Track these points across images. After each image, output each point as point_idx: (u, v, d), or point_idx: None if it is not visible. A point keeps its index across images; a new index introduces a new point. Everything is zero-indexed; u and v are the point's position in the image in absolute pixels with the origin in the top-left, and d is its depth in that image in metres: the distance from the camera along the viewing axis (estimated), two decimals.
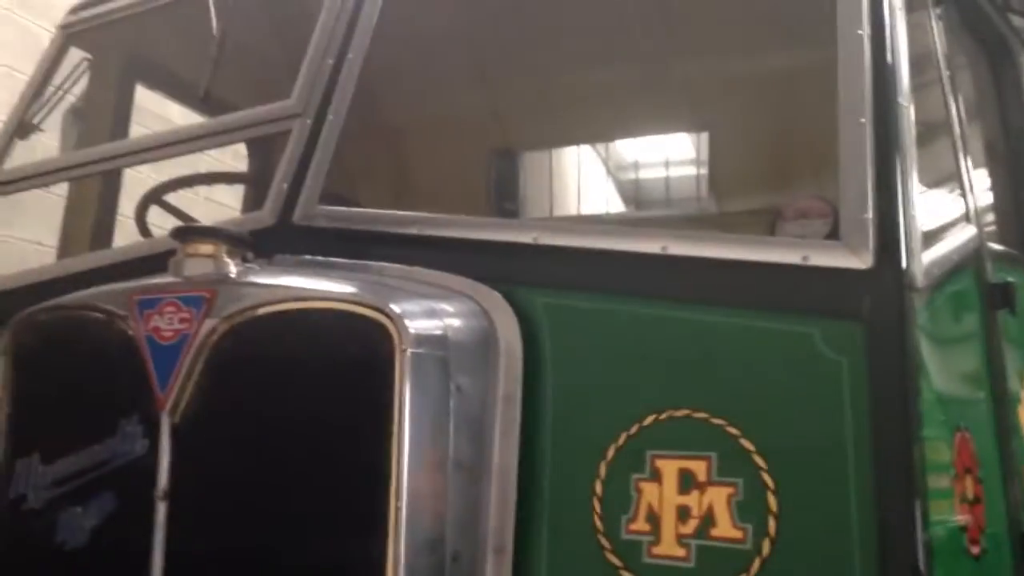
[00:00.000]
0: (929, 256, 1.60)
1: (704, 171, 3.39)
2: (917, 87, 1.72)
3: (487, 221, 2.05)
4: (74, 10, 2.73)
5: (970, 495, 1.61)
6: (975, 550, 1.61)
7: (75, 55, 2.72)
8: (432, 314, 1.65)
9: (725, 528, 1.50)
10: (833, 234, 1.59)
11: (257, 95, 2.24)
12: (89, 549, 1.73)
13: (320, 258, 1.89)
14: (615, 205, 6.07)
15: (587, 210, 4.97)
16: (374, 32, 2.11)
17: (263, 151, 3.15)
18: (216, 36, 2.35)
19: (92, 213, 2.91)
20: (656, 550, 1.54)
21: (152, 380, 1.70)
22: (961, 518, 1.58)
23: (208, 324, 1.68)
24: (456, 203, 3.46)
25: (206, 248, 1.74)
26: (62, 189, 2.90)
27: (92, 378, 1.82)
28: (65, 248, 2.89)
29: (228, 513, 1.66)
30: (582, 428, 1.64)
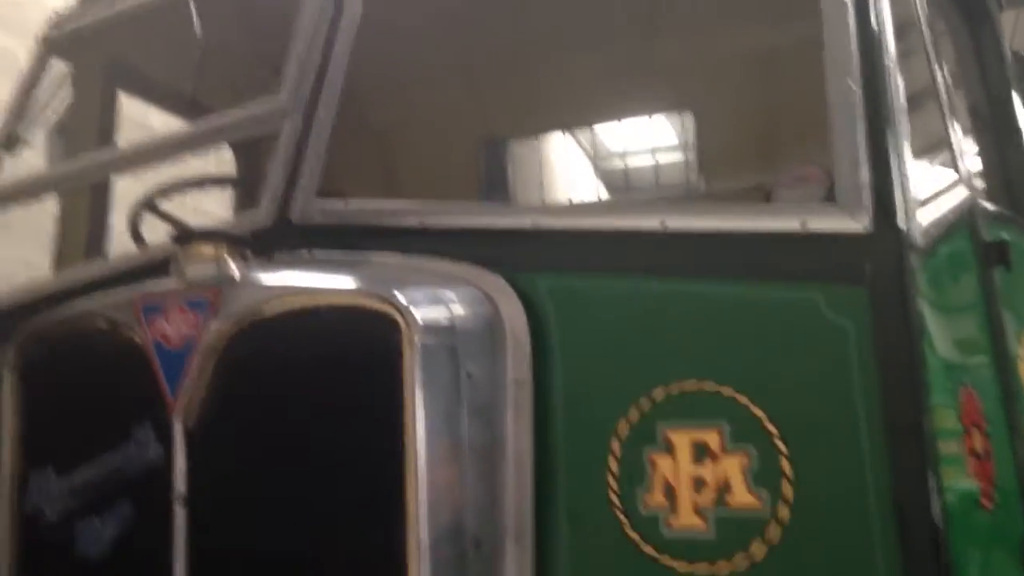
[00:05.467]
0: (925, 217, 1.62)
1: (692, 156, 3.40)
2: (903, 53, 1.74)
3: (485, 207, 2.06)
4: (54, 21, 2.72)
5: (980, 450, 1.63)
6: (987, 504, 1.63)
7: (57, 67, 2.70)
8: (438, 302, 1.66)
9: (741, 496, 1.52)
10: (830, 199, 1.61)
11: (243, 97, 2.24)
12: (111, 558, 1.72)
13: (320, 254, 1.90)
14: (604, 195, 6.08)
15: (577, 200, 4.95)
16: (359, 24, 2.11)
17: (251, 154, 3.14)
18: (199, 39, 2.34)
19: (84, 228, 2.90)
20: (674, 522, 1.55)
21: (162, 385, 1.70)
22: (972, 474, 1.60)
23: (214, 327, 1.68)
24: (445, 196, 3.46)
25: (207, 250, 1.74)
26: (48, 206, 2.88)
27: (101, 387, 1.81)
28: (60, 266, 2.88)
29: (248, 514, 1.66)
30: (593, 407, 1.65)
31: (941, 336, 1.58)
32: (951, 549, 1.43)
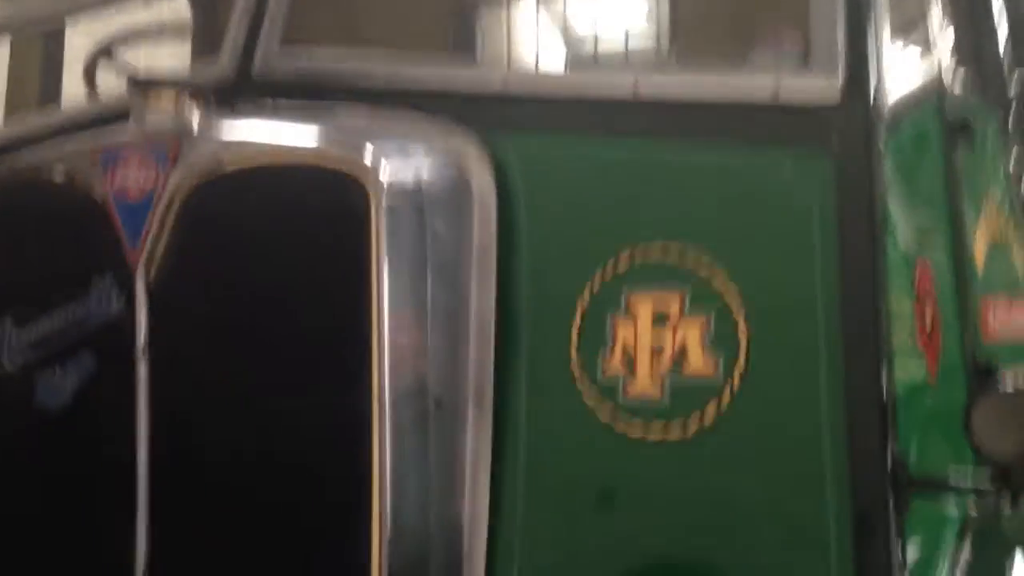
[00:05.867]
0: (895, 91, 1.61)
1: (664, 40, 3.32)
2: None
3: (456, 65, 2.01)
4: None
5: (929, 321, 1.67)
6: (932, 379, 1.68)
7: None
8: (405, 160, 1.63)
9: (696, 362, 1.54)
10: (804, 64, 1.60)
11: None
12: (71, 409, 1.73)
13: (284, 105, 1.84)
14: None
15: None
16: None
17: (208, 6, 3.01)
18: None
19: (35, 81, 2.80)
20: (631, 389, 1.57)
21: (122, 238, 1.67)
22: (921, 347, 1.65)
23: (174, 179, 1.65)
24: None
25: (167, 98, 1.68)
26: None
27: (59, 238, 1.78)
28: (10, 119, 2.79)
29: (210, 368, 1.67)
30: (558, 270, 1.65)
31: (902, 204, 1.60)
32: (897, 427, 1.48)
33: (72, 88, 2.74)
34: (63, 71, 2.76)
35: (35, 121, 2.26)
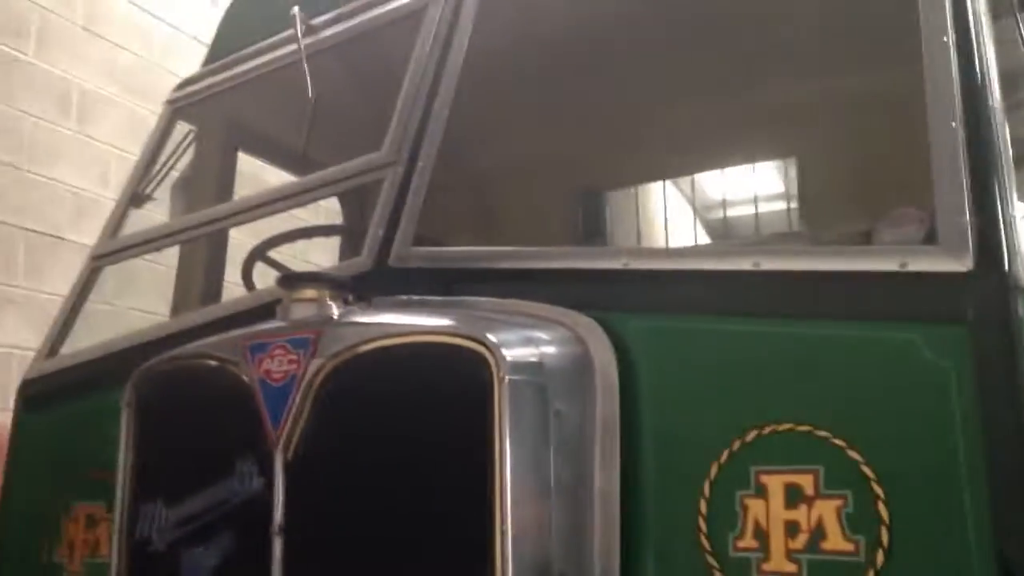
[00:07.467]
0: None
1: (794, 204, 3.36)
2: (1008, 93, 1.70)
3: (577, 250, 2.09)
4: (179, 86, 2.93)
5: None
6: None
7: (181, 128, 2.90)
8: (528, 342, 1.69)
9: (836, 541, 1.48)
10: (931, 239, 1.58)
11: (349, 150, 2.35)
12: None
13: (416, 297, 1.96)
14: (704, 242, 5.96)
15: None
16: (459, 80, 2.20)
17: (356, 203, 3.27)
18: (311, 100, 2.48)
19: (201, 277, 3.06)
20: (766, 566, 1.52)
21: (265, 420, 1.77)
22: None
23: (315, 364, 1.75)
24: (543, 245, 3.51)
25: (310, 293, 1.82)
26: (170, 260, 3.06)
27: (209, 422, 1.90)
28: (178, 311, 3.05)
29: (341, 545, 1.71)
30: (683, 448, 1.64)
31: None
32: None
33: (234, 276, 2.98)
34: (225, 267, 3.02)
35: (194, 316, 2.46)
